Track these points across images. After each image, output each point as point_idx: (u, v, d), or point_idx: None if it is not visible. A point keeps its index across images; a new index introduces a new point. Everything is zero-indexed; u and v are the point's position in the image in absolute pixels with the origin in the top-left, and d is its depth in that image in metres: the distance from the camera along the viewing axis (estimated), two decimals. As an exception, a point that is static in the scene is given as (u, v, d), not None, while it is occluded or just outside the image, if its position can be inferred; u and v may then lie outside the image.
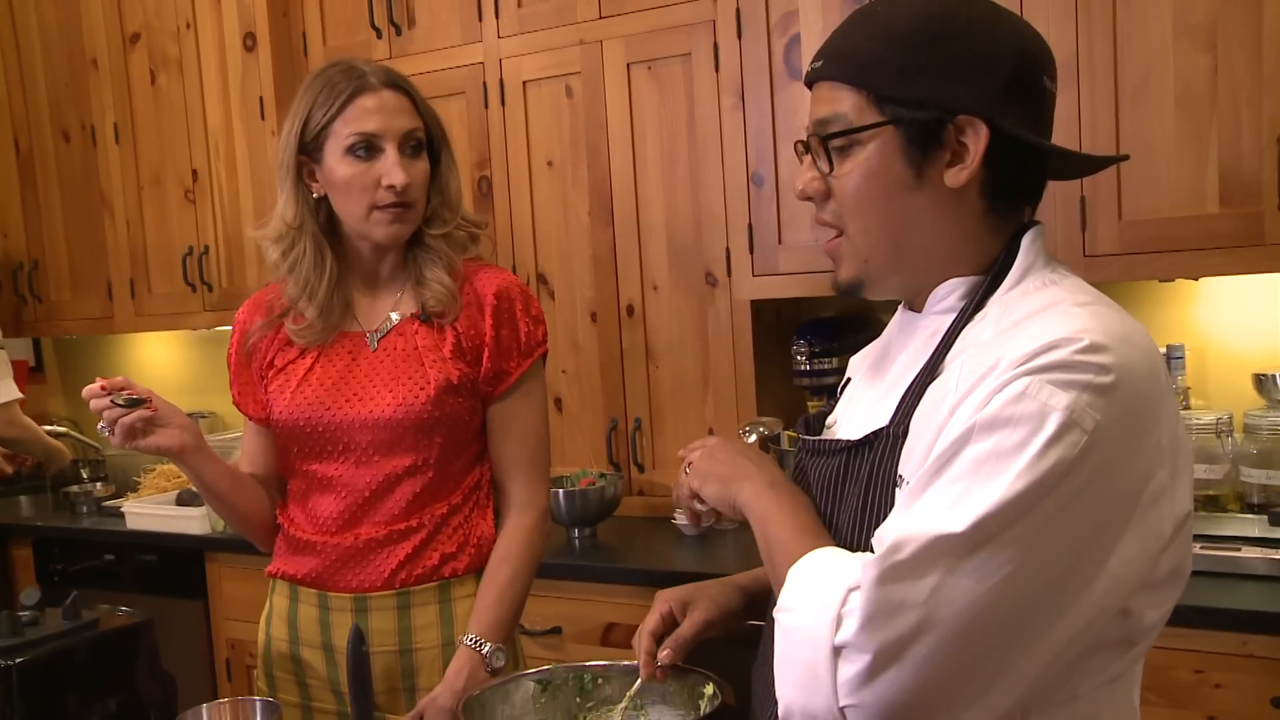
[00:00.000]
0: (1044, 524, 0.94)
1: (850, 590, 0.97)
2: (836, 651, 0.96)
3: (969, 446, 0.97)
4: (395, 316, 1.74)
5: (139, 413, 1.59)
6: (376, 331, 1.74)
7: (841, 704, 0.96)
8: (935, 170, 1.09)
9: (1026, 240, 1.12)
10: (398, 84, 1.70)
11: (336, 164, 1.67)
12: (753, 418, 1.39)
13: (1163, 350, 2.49)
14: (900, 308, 1.23)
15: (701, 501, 1.24)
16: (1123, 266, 2.26)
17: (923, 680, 0.94)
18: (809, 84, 1.17)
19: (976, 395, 1.00)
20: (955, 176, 1.09)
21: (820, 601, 0.99)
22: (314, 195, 1.71)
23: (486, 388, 1.74)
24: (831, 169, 1.13)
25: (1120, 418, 0.97)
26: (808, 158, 1.16)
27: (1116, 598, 1.00)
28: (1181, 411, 2.38)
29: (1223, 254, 2.15)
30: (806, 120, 1.17)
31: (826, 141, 1.12)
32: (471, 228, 1.79)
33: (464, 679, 1.64)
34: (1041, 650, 0.97)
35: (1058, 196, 2.27)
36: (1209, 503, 2.28)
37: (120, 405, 1.58)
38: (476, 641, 1.67)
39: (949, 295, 1.14)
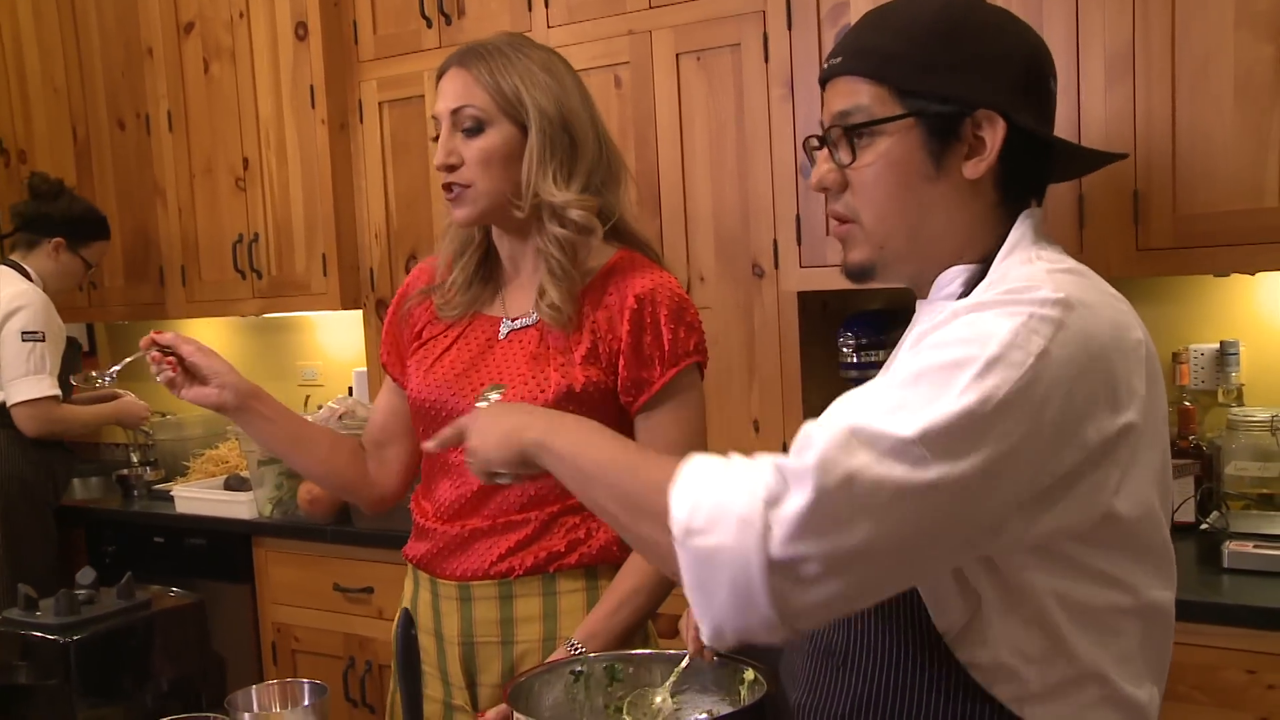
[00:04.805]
0: (984, 439, 0.95)
1: (771, 498, 0.94)
2: (772, 566, 0.94)
3: (916, 358, 1.00)
4: (535, 315, 1.68)
5: (164, 374, 1.65)
6: (515, 321, 1.69)
7: (781, 614, 0.95)
8: (954, 162, 1.14)
9: (1018, 221, 1.17)
10: (466, 60, 1.64)
11: None
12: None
13: (1216, 346, 2.45)
14: (917, 304, 1.26)
15: (499, 474, 1.25)
16: (1177, 261, 2.23)
17: (858, 581, 0.96)
18: (824, 81, 1.21)
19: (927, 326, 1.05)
20: (974, 168, 1.14)
21: (737, 517, 0.95)
22: None
23: (626, 398, 1.64)
24: (853, 159, 1.16)
25: (1072, 356, 0.98)
26: (822, 151, 1.20)
27: (1028, 532, 1.01)
28: (1235, 409, 2.37)
29: (1281, 248, 2.11)
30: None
31: (850, 132, 1.16)
32: (578, 213, 1.62)
33: None
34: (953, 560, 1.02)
35: (1109, 189, 2.24)
36: (1263, 501, 2.25)
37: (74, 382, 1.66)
38: (577, 649, 1.57)
39: (953, 281, 1.17)
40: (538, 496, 1.65)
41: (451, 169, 1.63)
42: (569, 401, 1.60)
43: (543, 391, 1.61)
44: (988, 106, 1.12)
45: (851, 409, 0.98)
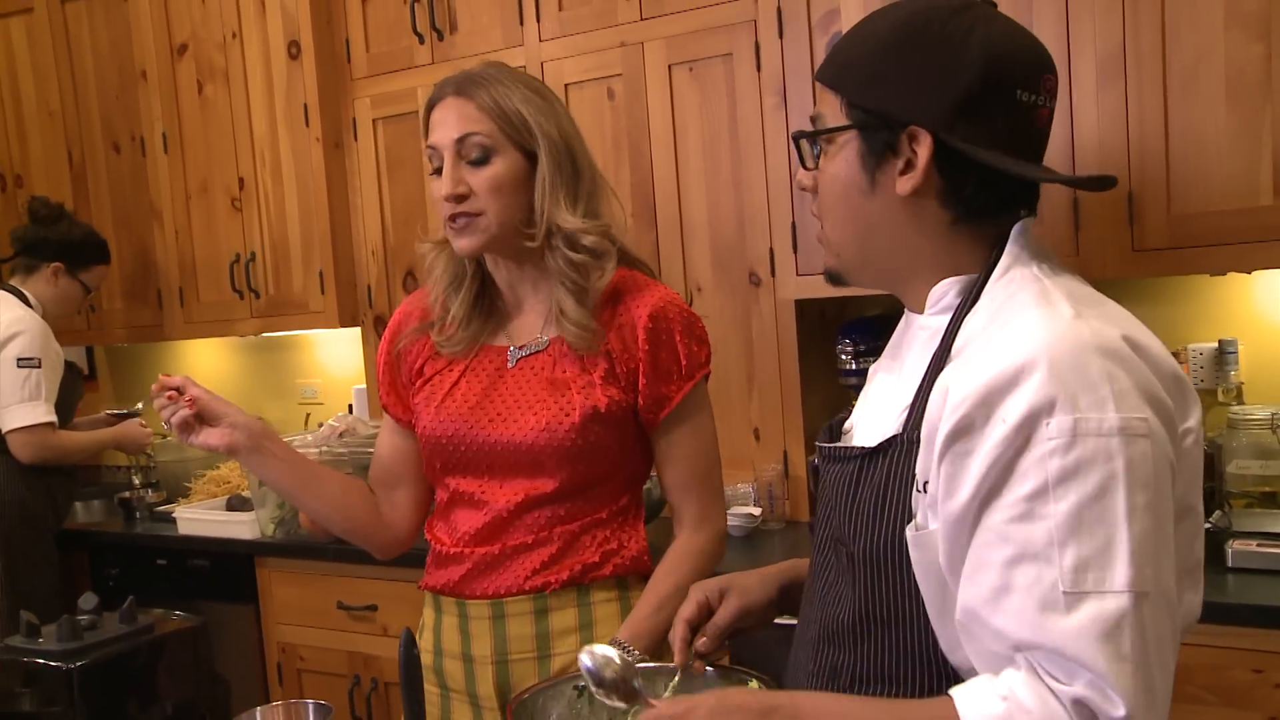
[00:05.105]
0: (1164, 525, 0.98)
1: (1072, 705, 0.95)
2: None
3: (1046, 502, 0.97)
4: (544, 339, 1.67)
5: (180, 413, 1.60)
6: (522, 349, 1.68)
7: None
8: (888, 177, 1.13)
9: (1014, 232, 1.14)
10: (464, 89, 1.62)
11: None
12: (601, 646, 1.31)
13: (1215, 345, 2.45)
14: (905, 310, 1.25)
15: None
16: (1173, 261, 2.23)
17: None
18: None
19: (980, 445, 1.00)
20: (903, 184, 1.12)
21: None
22: None
23: (648, 415, 1.66)
24: (807, 166, 1.19)
25: (1155, 410, 1.00)
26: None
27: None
28: (1235, 407, 2.37)
29: (1277, 246, 2.11)
30: None
31: (804, 138, 1.18)
32: (593, 238, 1.62)
33: None
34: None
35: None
36: (1265, 499, 2.24)
37: (110, 414, 1.61)
38: (627, 650, 1.55)
39: (946, 294, 1.16)
40: (568, 513, 1.66)
41: (460, 199, 1.60)
42: (595, 422, 1.61)
43: (568, 415, 1.61)
44: (917, 124, 1.10)
45: (1043, 603, 0.96)
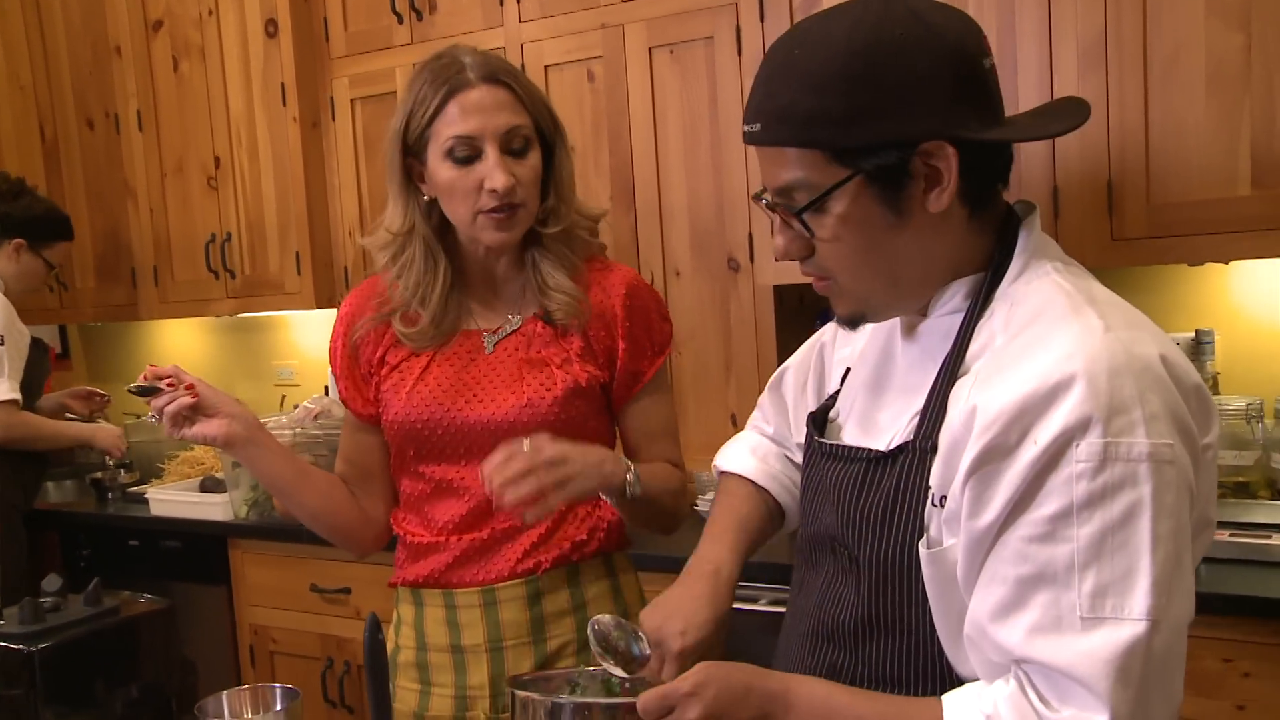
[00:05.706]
0: (1183, 552, 0.98)
1: None
2: None
3: (1075, 529, 0.96)
4: (517, 319, 1.68)
5: (180, 401, 1.56)
6: (495, 333, 1.67)
7: None
8: (914, 203, 1.07)
9: (1024, 232, 1.12)
10: (498, 78, 1.59)
11: (438, 167, 1.59)
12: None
13: (1192, 335, 2.45)
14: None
15: None
16: (1151, 250, 2.23)
17: None
18: (749, 144, 1.13)
19: (1011, 467, 0.99)
20: (937, 201, 1.07)
21: None
22: (424, 197, 1.64)
23: (621, 391, 1.69)
24: (810, 233, 1.10)
25: (1178, 435, 0.99)
26: (777, 220, 1.13)
27: None
28: (1211, 397, 2.37)
29: (1255, 237, 2.11)
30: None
31: (801, 214, 1.09)
32: (589, 223, 1.71)
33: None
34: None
35: (1083, 180, 2.24)
36: (1239, 489, 2.25)
37: (132, 391, 1.58)
38: (631, 472, 1.57)
39: (954, 296, 1.13)
40: None
41: (509, 191, 1.58)
42: (576, 397, 1.63)
43: (549, 391, 1.62)
44: (931, 137, 1.04)
45: (1056, 624, 0.96)
